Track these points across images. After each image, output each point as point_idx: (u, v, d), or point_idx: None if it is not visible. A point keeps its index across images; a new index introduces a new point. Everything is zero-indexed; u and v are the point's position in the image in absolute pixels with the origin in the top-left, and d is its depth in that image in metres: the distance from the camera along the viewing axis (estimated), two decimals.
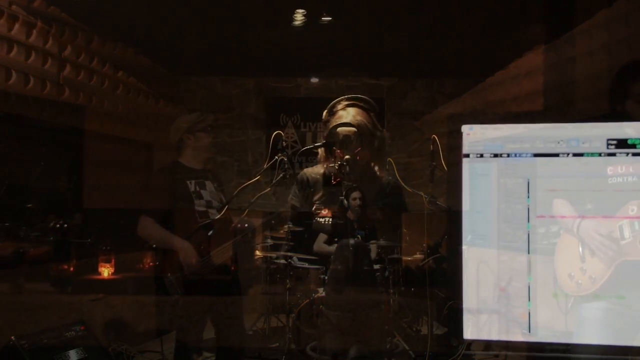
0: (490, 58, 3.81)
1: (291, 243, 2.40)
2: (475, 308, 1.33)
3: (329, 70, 4.54)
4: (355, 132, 2.48)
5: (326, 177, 2.53)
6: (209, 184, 2.27)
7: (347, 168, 2.31)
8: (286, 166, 2.24)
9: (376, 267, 1.98)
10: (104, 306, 2.48)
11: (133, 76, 3.89)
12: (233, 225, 2.20)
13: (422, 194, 2.20)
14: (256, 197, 2.27)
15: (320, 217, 2.33)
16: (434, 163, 2.48)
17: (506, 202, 1.33)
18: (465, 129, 1.35)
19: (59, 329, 1.95)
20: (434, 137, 2.47)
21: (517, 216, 1.32)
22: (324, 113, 2.60)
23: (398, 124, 4.71)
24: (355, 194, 2.33)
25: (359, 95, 2.64)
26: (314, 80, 4.81)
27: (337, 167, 2.33)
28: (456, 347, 1.99)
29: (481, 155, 1.33)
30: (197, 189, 2.23)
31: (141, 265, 3.25)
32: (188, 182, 2.22)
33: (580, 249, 1.26)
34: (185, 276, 2.09)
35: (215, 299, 2.08)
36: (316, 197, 2.42)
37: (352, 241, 1.94)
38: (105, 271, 3.10)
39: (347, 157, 2.37)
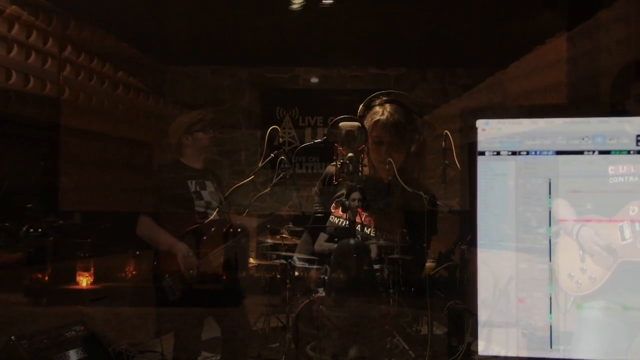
0: (508, 45, 3.82)
1: (290, 243, 2.52)
2: (491, 321, 1.34)
3: (331, 59, 4.55)
4: (359, 127, 2.49)
5: (328, 176, 2.55)
6: (209, 184, 2.44)
7: (350, 167, 2.32)
8: (286, 166, 2.33)
9: (376, 267, 2.07)
10: (105, 306, 2.70)
11: (113, 65, 3.90)
12: (227, 227, 2.33)
13: (422, 194, 2.22)
14: (256, 197, 2.37)
15: (334, 217, 2.37)
16: (447, 161, 2.49)
17: (525, 205, 1.33)
18: (481, 124, 1.36)
19: (59, 329, 2.10)
20: (446, 132, 2.48)
21: (537, 220, 1.33)
22: (360, 107, 2.61)
23: None
24: (355, 195, 2.33)
25: (401, 92, 2.64)
26: (314, 70, 4.83)
27: (339, 166, 2.34)
28: (456, 347, 2.12)
29: (498, 153, 1.34)
30: (198, 189, 2.41)
31: (123, 274, 3.26)
32: (189, 182, 2.40)
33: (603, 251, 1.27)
34: (183, 278, 2.26)
35: (215, 299, 2.26)
36: (335, 196, 2.44)
37: (351, 241, 2.02)
38: (84, 281, 3.11)
39: (350, 154, 2.38)
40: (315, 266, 2.24)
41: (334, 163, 2.43)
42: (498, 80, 4.11)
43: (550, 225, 1.32)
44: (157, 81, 4.65)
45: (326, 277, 2.02)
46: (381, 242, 2.25)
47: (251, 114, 4.82)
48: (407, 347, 1.97)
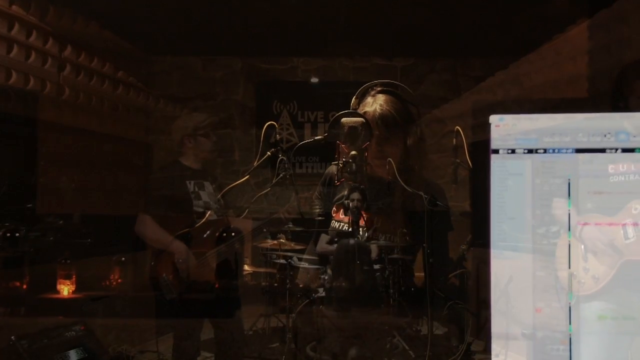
0: (526, 34, 3.82)
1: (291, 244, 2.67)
2: (505, 333, 1.35)
3: (332, 49, 4.56)
4: (362, 123, 2.50)
5: (328, 177, 2.58)
6: (207, 184, 2.65)
7: (353, 166, 2.33)
8: (286, 166, 2.45)
9: (376, 267, 2.17)
10: (105, 306, 2.92)
11: (94, 56, 3.90)
12: (224, 228, 2.53)
13: (422, 194, 2.28)
14: (256, 197, 2.49)
15: (336, 221, 2.44)
16: (458, 160, 2.50)
17: (543, 207, 1.34)
18: (494, 119, 1.37)
19: (59, 329, 2.27)
20: (457, 128, 2.49)
21: (555, 223, 1.34)
22: (353, 100, 2.65)
23: (414, 112, 4.73)
24: (354, 195, 2.37)
25: (395, 82, 2.67)
26: (314, 61, 4.84)
27: (341, 165, 2.35)
28: (456, 347, 2.30)
29: (513, 151, 1.35)
30: (196, 189, 2.62)
31: (107, 282, 3.28)
32: (187, 182, 2.62)
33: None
34: (181, 277, 2.46)
35: (213, 299, 2.44)
36: (335, 198, 2.50)
37: (351, 241, 2.12)
38: (65, 289, 3.12)
39: (353, 153, 2.40)
40: (315, 266, 2.34)
41: (336, 162, 2.46)
42: (514, 72, 4.12)
43: (569, 229, 1.33)
44: (143, 73, 4.66)
45: (326, 277, 2.13)
46: (381, 242, 2.32)
47: (245, 109, 4.84)
48: (407, 347, 2.09)
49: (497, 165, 1.35)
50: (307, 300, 2.13)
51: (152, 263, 2.53)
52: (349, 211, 2.30)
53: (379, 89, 2.58)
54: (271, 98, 4.80)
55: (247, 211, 2.54)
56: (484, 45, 4.34)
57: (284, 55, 4.81)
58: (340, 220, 2.45)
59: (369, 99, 2.59)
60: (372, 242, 2.32)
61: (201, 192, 2.61)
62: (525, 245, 1.32)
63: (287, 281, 2.23)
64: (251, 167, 3.02)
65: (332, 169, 2.60)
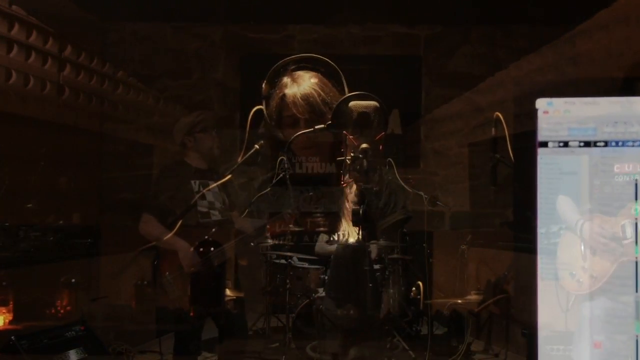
0: None
1: (291, 244, 2.95)
2: None
3: (337, 14, 4.57)
4: (376, 108, 2.54)
5: (329, 175, 2.66)
6: (212, 184, 3.13)
7: (365, 163, 2.36)
8: (286, 165, 2.74)
9: (376, 267, 2.48)
10: (105, 306, 3.34)
11: (34, 27, 3.87)
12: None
13: (422, 194, 2.57)
14: (256, 197, 2.84)
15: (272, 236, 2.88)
16: (498, 155, 2.52)
17: (603, 214, 1.36)
18: (542, 104, 1.38)
19: (59, 329, 2.68)
20: (497, 115, 2.51)
21: (619, 235, 1.35)
22: (264, 85, 2.77)
23: (442, 94, 4.75)
24: (351, 196, 2.60)
25: (314, 55, 2.81)
26: (315, 29, 4.85)
27: (348, 162, 2.38)
28: (456, 347, 2.71)
29: (565, 144, 1.37)
30: (201, 189, 3.17)
31: (52, 310, 3.30)
32: (192, 181, 3.19)
33: None
34: (184, 276, 2.92)
35: (214, 299, 2.89)
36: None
37: (351, 241, 2.44)
38: (1, 319, 3.14)
39: (363, 146, 2.43)
40: (315, 266, 2.63)
41: (342, 158, 2.50)
42: (568, 44, 4.11)
43: (637, 243, 1.34)
44: (96, 45, 4.64)
45: (326, 277, 2.45)
46: (381, 242, 2.61)
47: (227, 90, 4.85)
48: (407, 347, 2.48)
49: (546, 162, 1.36)
50: (307, 301, 2.48)
51: (155, 262, 3.04)
52: (354, 221, 2.42)
53: (293, 66, 2.82)
54: (260, 76, 4.80)
55: (246, 211, 2.91)
56: (531, 10, 4.35)
57: (277, 22, 4.82)
58: (282, 234, 2.79)
59: (286, 79, 2.82)
60: (372, 242, 2.55)
61: (206, 193, 3.15)
62: (581, 263, 1.34)
63: (287, 281, 2.57)
64: (234, 163, 3.05)
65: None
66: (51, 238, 3.64)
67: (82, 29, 4.47)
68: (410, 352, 2.49)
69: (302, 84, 2.84)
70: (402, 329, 2.60)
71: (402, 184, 2.53)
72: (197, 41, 4.85)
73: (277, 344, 2.65)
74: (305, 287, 2.56)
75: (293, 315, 2.53)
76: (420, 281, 2.72)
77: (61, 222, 3.86)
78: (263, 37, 4.87)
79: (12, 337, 2.48)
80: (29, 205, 3.59)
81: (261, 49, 4.84)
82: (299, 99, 2.80)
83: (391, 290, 2.50)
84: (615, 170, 1.36)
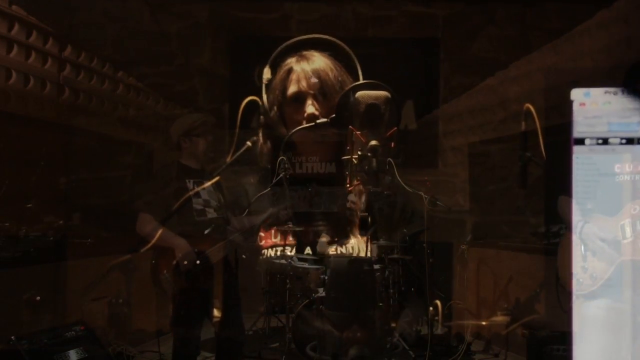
0: None
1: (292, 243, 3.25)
2: None
3: None
4: (386, 98, 2.55)
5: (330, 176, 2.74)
6: (206, 183, 3.50)
7: (374, 163, 2.37)
8: (286, 165, 2.97)
9: (376, 267, 2.67)
10: (104, 306, 3.64)
11: None
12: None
13: (422, 194, 2.69)
14: (256, 197, 3.14)
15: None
16: (528, 153, 2.53)
17: None
18: (578, 94, 1.38)
19: (59, 329, 3.00)
20: (527, 107, 2.53)
21: None
22: (265, 70, 2.81)
23: (463, 82, 4.76)
24: (351, 196, 2.69)
25: (330, 37, 2.85)
26: (314, 7, 4.86)
27: (355, 161, 2.39)
28: (456, 347, 2.99)
29: (605, 141, 1.37)
30: (195, 188, 3.50)
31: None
32: (187, 181, 3.53)
33: None
34: (181, 274, 3.19)
35: (213, 297, 3.20)
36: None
37: (358, 255, 2.74)
38: None
39: (373, 143, 2.45)
40: (315, 266, 2.83)
41: (347, 156, 2.52)
42: (606, 23, 4.09)
43: None
44: (62, 26, 4.63)
45: (326, 277, 2.64)
46: (381, 242, 2.82)
47: (215, 77, 4.86)
48: (407, 347, 2.73)
49: (582, 161, 1.36)
50: (307, 301, 2.73)
51: (153, 261, 3.32)
52: (361, 230, 2.53)
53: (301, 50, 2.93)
54: (252, 62, 4.82)
55: (246, 211, 3.23)
56: None
57: None
58: (275, 245, 3.05)
59: (292, 58, 2.96)
60: (372, 242, 2.77)
61: (201, 191, 3.51)
62: (623, 277, 1.35)
63: (287, 281, 2.80)
64: (223, 163, 3.07)
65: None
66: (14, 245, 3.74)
67: (46, 8, 4.46)
68: (410, 352, 2.72)
69: (314, 60, 2.86)
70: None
71: (402, 183, 2.58)
72: (180, 20, 4.85)
73: (277, 344, 2.90)
74: (305, 287, 2.78)
75: (293, 315, 2.77)
76: (422, 281, 2.97)
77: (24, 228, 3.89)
78: (255, 17, 4.88)
79: (12, 337, 2.75)
80: None
81: (253, 31, 4.85)
82: (309, 72, 2.83)
83: (391, 291, 2.72)
84: None
